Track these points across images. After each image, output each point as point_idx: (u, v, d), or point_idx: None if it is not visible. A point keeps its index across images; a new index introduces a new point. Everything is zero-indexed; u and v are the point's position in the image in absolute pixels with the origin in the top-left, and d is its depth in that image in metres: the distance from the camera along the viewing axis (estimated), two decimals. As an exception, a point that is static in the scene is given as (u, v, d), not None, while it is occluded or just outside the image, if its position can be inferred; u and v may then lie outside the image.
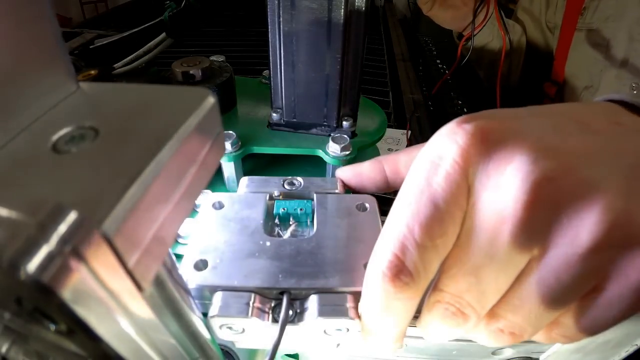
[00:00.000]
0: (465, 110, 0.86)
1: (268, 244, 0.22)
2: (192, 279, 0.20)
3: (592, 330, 0.17)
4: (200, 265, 0.21)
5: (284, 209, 0.25)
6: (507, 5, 1.03)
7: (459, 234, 0.17)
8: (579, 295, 0.16)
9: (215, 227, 0.23)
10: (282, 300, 0.20)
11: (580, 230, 0.15)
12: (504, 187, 0.16)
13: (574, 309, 0.17)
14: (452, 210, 0.16)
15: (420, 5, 0.86)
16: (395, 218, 0.17)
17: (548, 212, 0.15)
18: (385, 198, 0.67)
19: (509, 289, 0.17)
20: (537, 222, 0.15)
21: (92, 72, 0.40)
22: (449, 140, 0.17)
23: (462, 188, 0.16)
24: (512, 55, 0.89)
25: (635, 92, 0.68)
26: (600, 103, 0.20)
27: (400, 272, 0.16)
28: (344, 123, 0.36)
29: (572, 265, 0.15)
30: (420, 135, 0.77)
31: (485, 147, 0.16)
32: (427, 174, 0.17)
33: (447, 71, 1.07)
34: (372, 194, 0.26)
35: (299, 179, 0.27)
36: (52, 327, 0.10)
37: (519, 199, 0.15)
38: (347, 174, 0.27)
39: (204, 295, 0.21)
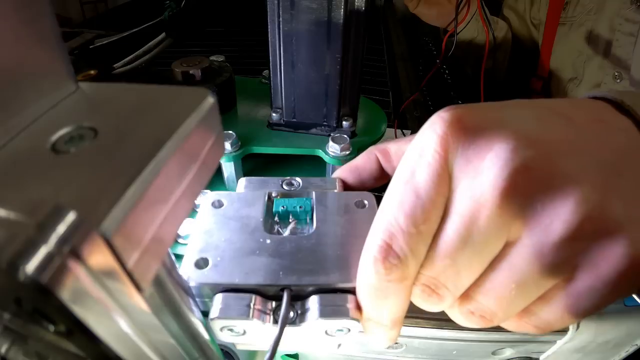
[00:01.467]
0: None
1: (268, 241, 0.22)
2: (193, 277, 0.20)
3: (562, 321, 0.18)
4: (201, 264, 0.21)
5: (283, 206, 0.25)
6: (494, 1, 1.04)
7: (442, 218, 0.18)
8: (550, 284, 0.17)
9: (215, 225, 0.23)
10: (282, 297, 0.20)
11: (554, 220, 0.15)
12: (483, 173, 0.16)
13: (545, 299, 0.17)
14: (433, 199, 0.17)
15: (406, 3, 0.88)
16: (384, 209, 0.18)
17: (524, 200, 0.16)
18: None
19: (483, 272, 0.18)
20: (513, 208, 0.16)
21: (92, 72, 0.40)
22: (430, 131, 0.18)
23: (443, 176, 0.17)
24: (497, 51, 0.90)
25: (618, 80, 0.70)
26: (585, 100, 0.21)
27: (389, 254, 0.17)
28: (344, 123, 0.36)
29: (544, 253, 0.16)
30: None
31: (463, 134, 0.17)
32: (411, 167, 0.18)
33: (447, 71, 1.07)
34: (372, 190, 0.26)
35: (298, 179, 0.27)
36: (51, 327, 0.10)
37: (497, 185, 0.16)
38: (344, 171, 0.27)
39: (205, 293, 0.21)
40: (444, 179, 0.17)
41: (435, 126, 0.18)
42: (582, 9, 0.77)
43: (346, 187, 0.27)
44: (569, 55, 0.80)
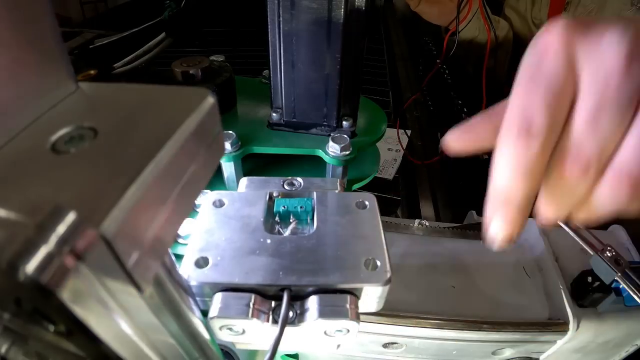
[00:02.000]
0: (465, 110, 0.86)
1: (269, 241, 0.22)
2: (193, 276, 0.20)
3: None
4: (202, 263, 0.21)
5: (284, 206, 0.25)
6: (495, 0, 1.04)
7: (572, 104, 0.19)
8: None
9: (216, 224, 0.23)
10: (282, 297, 0.20)
11: None
12: (605, 49, 0.18)
13: None
14: (563, 81, 0.19)
15: (407, 1, 0.88)
16: (518, 95, 0.20)
17: None
18: (384, 197, 0.68)
19: (623, 135, 0.19)
20: (636, 74, 0.18)
21: (92, 72, 0.40)
22: (549, 34, 0.20)
23: (569, 67, 0.19)
24: (498, 50, 0.91)
25: None
26: None
27: (531, 125, 0.19)
28: (344, 123, 0.36)
29: None
30: (419, 135, 0.77)
31: (580, 30, 0.19)
32: (535, 62, 0.20)
33: (447, 71, 1.06)
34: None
35: (299, 179, 0.27)
36: (51, 327, 0.10)
37: (620, 52, 0.18)
38: (456, 133, 0.25)
39: (205, 292, 0.21)
40: (572, 65, 0.19)
41: (554, 29, 0.19)
42: (583, 10, 0.77)
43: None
44: None
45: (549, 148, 0.20)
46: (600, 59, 0.19)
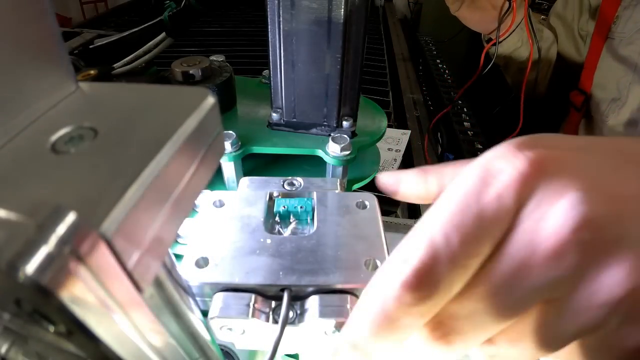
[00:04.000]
0: (465, 109, 0.86)
1: (269, 241, 0.22)
2: (194, 276, 0.20)
3: None
4: (202, 263, 0.21)
5: (284, 206, 0.25)
6: (541, 10, 1.00)
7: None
8: (579, 345, 0.16)
9: (216, 225, 0.23)
10: (282, 298, 0.20)
11: (602, 287, 0.15)
12: (549, 219, 0.15)
13: None
14: (494, 233, 0.16)
15: (448, 4, 0.82)
16: (433, 221, 0.16)
17: (582, 259, 0.15)
18: (385, 197, 0.67)
19: (512, 323, 0.16)
20: (567, 264, 0.15)
21: (92, 72, 0.40)
22: (508, 163, 0.16)
23: (510, 213, 0.16)
24: (540, 64, 0.85)
25: None
26: None
27: (422, 282, 0.15)
28: (344, 123, 0.36)
29: (580, 315, 0.15)
30: (419, 135, 0.77)
31: (542, 177, 0.16)
32: (477, 188, 0.16)
33: (447, 71, 1.06)
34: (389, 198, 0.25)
35: (299, 179, 0.27)
36: (51, 328, 0.10)
37: (560, 235, 0.15)
38: (387, 178, 0.24)
39: (205, 292, 0.21)
40: (509, 215, 0.16)
41: (516, 160, 0.16)
42: (634, 26, 0.71)
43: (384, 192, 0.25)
44: (613, 74, 0.75)
45: (433, 312, 0.16)
46: (539, 228, 0.15)
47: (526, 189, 0.16)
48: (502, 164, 0.16)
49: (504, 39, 0.79)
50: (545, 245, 0.15)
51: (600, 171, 0.16)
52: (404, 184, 0.23)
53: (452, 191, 0.16)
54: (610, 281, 0.15)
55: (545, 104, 0.95)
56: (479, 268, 0.16)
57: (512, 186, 0.16)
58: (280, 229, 0.24)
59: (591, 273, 0.15)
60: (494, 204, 0.15)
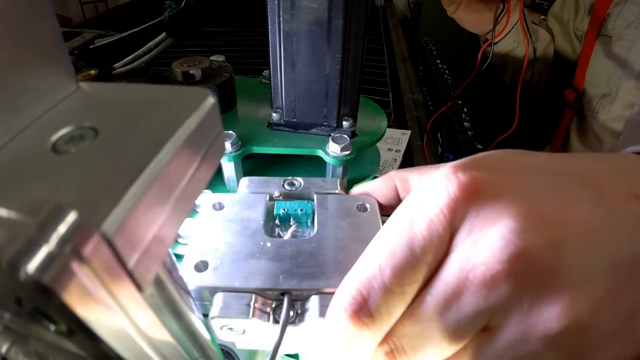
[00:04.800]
0: (465, 109, 0.86)
1: (269, 244, 0.22)
2: (193, 280, 0.20)
3: None
4: (201, 267, 0.21)
5: (284, 209, 0.25)
6: (541, 10, 1.00)
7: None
8: None
9: (216, 228, 0.23)
10: (283, 301, 0.20)
11: (538, 323, 0.14)
12: (481, 248, 0.15)
13: None
14: (427, 259, 0.15)
15: (445, 6, 0.84)
16: (369, 254, 0.17)
17: (515, 292, 0.14)
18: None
19: (459, 349, 0.16)
20: (500, 296, 0.14)
21: (92, 72, 0.40)
22: (440, 187, 0.16)
23: (443, 238, 0.16)
24: (536, 63, 0.87)
25: None
26: (628, 159, 0.18)
27: (361, 311, 0.16)
28: (344, 123, 0.36)
29: (517, 349, 0.15)
30: (419, 135, 0.77)
31: (474, 200, 0.15)
32: (411, 217, 0.16)
33: (447, 71, 1.06)
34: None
35: (299, 179, 0.27)
36: (52, 327, 0.10)
37: (491, 266, 0.14)
38: (359, 190, 0.26)
39: (204, 296, 0.21)
40: (443, 242, 0.16)
41: (448, 184, 0.16)
42: (623, 22, 0.73)
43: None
44: (604, 70, 0.77)
45: (381, 333, 0.16)
46: (471, 256, 0.15)
47: (457, 214, 0.15)
48: (436, 189, 0.16)
49: (500, 39, 0.80)
50: (475, 275, 0.15)
51: (543, 195, 0.16)
52: (374, 191, 0.24)
53: (390, 220, 0.17)
54: (547, 315, 0.14)
55: (542, 102, 0.96)
56: (419, 292, 0.16)
57: (442, 212, 0.15)
58: (280, 232, 0.24)
59: (527, 305, 0.14)
60: (425, 231, 0.15)
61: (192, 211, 0.29)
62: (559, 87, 0.90)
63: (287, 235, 0.24)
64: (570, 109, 0.87)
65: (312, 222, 0.24)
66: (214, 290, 0.20)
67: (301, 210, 0.25)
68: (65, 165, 0.11)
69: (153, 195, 0.11)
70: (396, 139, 0.74)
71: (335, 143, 0.33)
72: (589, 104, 0.82)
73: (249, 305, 0.20)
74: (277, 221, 0.25)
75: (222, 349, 0.30)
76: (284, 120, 0.37)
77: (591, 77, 0.81)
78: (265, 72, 0.43)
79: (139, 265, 0.11)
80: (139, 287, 0.11)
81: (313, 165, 0.39)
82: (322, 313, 0.19)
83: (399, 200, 0.24)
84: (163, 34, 0.44)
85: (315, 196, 0.25)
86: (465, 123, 0.82)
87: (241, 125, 0.38)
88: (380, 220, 0.24)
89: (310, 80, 0.34)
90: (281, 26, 0.32)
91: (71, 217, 0.09)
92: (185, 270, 0.21)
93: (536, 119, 0.93)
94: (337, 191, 0.26)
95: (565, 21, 0.88)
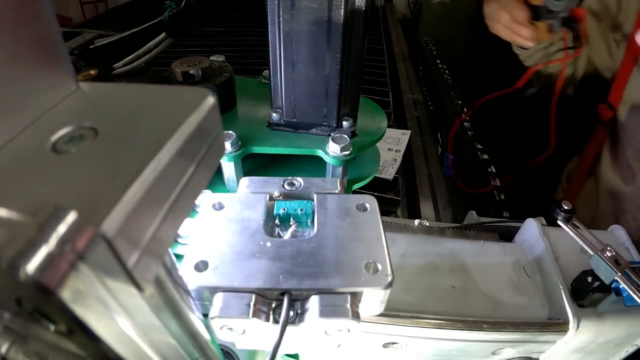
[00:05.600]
0: (465, 110, 0.86)
1: (269, 244, 0.22)
2: (193, 280, 0.20)
3: None
4: (201, 266, 0.21)
5: (284, 209, 0.25)
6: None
7: None
8: None
9: (216, 228, 0.23)
10: (282, 301, 0.20)
11: None
12: None
13: None
14: None
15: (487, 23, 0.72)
16: None
17: None
18: (384, 198, 0.68)
19: None
20: None
21: (92, 72, 0.40)
22: None
23: None
24: (568, 84, 0.77)
25: None
26: None
27: None
28: (344, 123, 0.36)
29: None
30: (419, 135, 0.77)
31: None
32: None
33: (447, 71, 1.06)
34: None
35: (299, 179, 0.27)
36: (52, 327, 0.10)
37: None
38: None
39: (204, 296, 0.21)
40: None
41: None
42: None
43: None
44: None
45: None
46: None
47: None
48: None
49: (531, 54, 0.74)
50: None
51: None
52: None
53: None
54: None
55: (571, 113, 0.82)
56: None
57: None
58: (280, 232, 0.24)
59: None
60: None
61: (192, 211, 0.29)
62: (591, 96, 0.78)
63: (287, 235, 0.24)
64: (604, 128, 0.75)
65: (312, 222, 0.24)
66: (214, 290, 0.20)
67: (301, 210, 0.25)
68: (65, 165, 0.11)
69: (153, 195, 0.11)
70: (396, 139, 0.74)
71: (335, 143, 0.33)
72: (624, 125, 0.71)
73: (249, 305, 0.20)
74: (277, 221, 0.25)
75: (222, 349, 0.30)
76: (284, 120, 0.37)
77: (628, 97, 0.69)
78: (265, 72, 0.43)
79: (138, 265, 0.11)
80: (138, 287, 0.11)
81: (313, 165, 0.39)
82: (322, 313, 0.19)
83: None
84: (163, 34, 0.44)
85: (315, 196, 0.25)
86: (465, 123, 0.81)
87: (241, 125, 0.38)
88: (380, 220, 0.24)
89: (310, 80, 0.34)
90: (281, 26, 0.32)
91: (71, 217, 0.09)
92: (185, 270, 0.21)
93: (564, 132, 0.83)
94: (337, 191, 0.26)
95: (604, 21, 0.73)
